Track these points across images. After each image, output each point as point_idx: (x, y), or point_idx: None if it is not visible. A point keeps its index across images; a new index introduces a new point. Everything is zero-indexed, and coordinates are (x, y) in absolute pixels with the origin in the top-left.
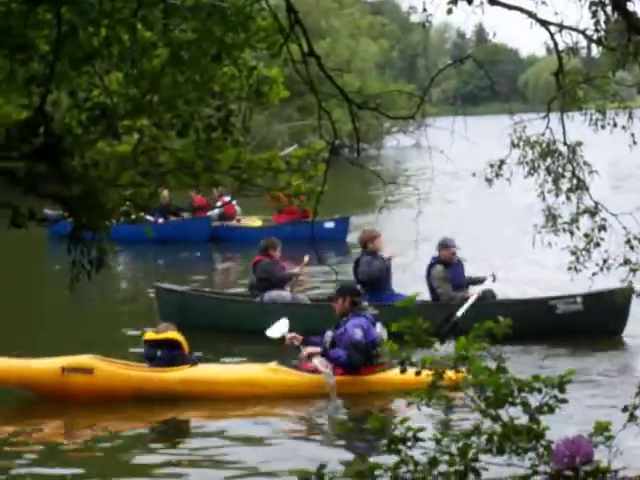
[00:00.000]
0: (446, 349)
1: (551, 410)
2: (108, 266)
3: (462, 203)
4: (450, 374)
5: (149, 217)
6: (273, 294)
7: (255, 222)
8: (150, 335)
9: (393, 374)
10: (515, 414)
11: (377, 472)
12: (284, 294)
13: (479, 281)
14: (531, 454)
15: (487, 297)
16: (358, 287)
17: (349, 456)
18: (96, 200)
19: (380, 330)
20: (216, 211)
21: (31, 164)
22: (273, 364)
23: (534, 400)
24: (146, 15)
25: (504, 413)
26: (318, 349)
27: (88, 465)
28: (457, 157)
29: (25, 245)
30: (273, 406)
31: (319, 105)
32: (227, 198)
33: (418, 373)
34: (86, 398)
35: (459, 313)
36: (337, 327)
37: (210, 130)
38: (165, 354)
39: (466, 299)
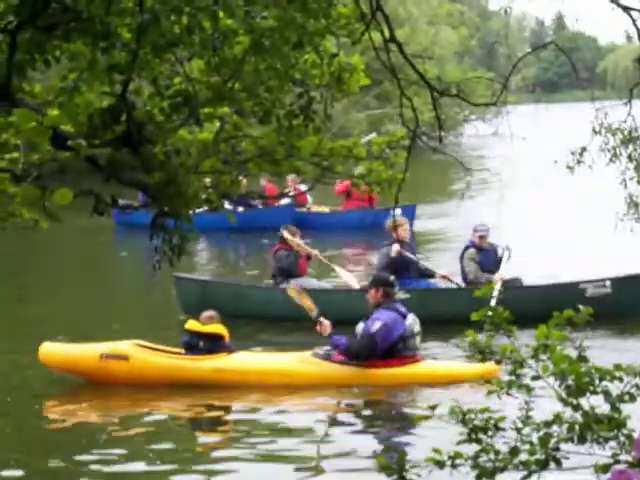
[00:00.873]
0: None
1: (632, 399)
2: (189, 253)
3: (544, 190)
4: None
5: (227, 205)
6: (300, 281)
7: (322, 209)
8: (194, 325)
9: (424, 366)
10: (596, 403)
11: (458, 461)
12: (311, 280)
13: (499, 263)
14: (612, 443)
15: (513, 282)
16: (392, 278)
17: (382, 446)
18: (178, 187)
19: (412, 322)
20: (286, 200)
21: (113, 151)
22: (307, 354)
23: (615, 389)
24: (228, 2)
25: (585, 402)
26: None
27: (118, 450)
28: (538, 144)
29: (92, 233)
30: (305, 396)
31: (401, 92)
32: (301, 187)
33: (499, 362)
34: (123, 384)
35: (492, 303)
36: (368, 317)
37: (292, 117)
38: (207, 345)
39: (490, 281)
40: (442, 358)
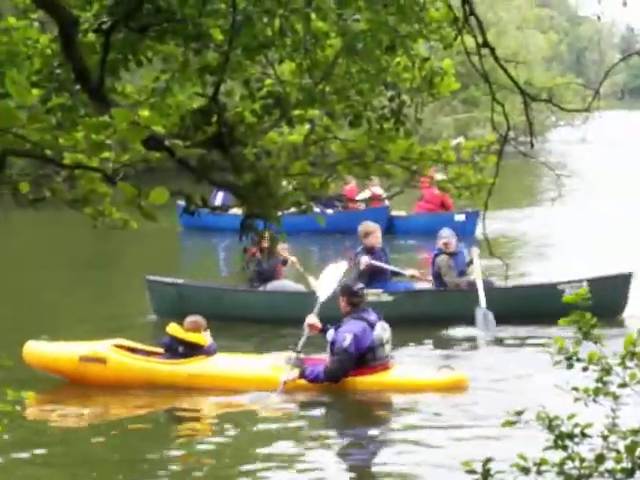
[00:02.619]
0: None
1: None
2: (278, 254)
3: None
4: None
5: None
6: (276, 283)
7: (398, 212)
8: (176, 331)
9: (395, 374)
10: None
11: (543, 467)
12: (287, 283)
13: (471, 264)
14: None
15: (487, 285)
16: (359, 287)
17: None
18: (267, 189)
19: (380, 331)
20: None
21: (204, 153)
22: (282, 359)
23: None
24: (320, 5)
25: None
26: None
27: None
28: (627, 151)
29: (158, 236)
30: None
31: (492, 97)
32: (376, 189)
33: (585, 369)
34: (101, 386)
35: (483, 304)
36: (337, 327)
37: (382, 120)
38: (186, 351)
39: (472, 284)
40: (416, 359)
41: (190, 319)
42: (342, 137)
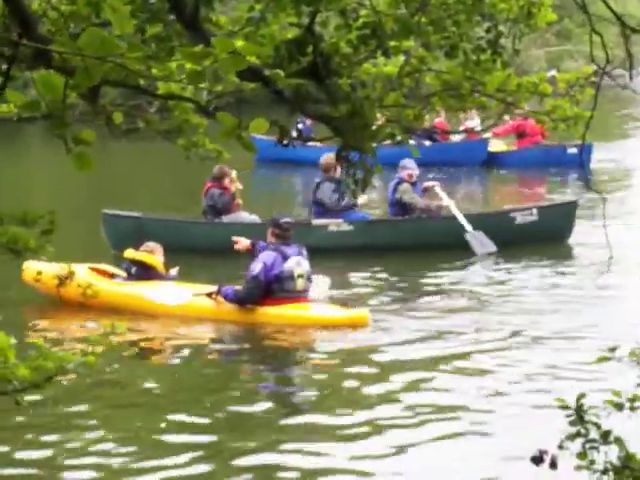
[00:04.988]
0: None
1: None
2: (373, 186)
3: None
4: None
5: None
6: (232, 216)
7: (500, 147)
8: (128, 253)
9: (297, 308)
10: None
11: (637, 404)
12: (244, 215)
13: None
14: None
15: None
16: (284, 220)
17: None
18: (363, 120)
19: (293, 264)
20: (458, 137)
21: (300, 83)
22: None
23: None
24: None
25: None
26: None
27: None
28: None
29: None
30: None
31: (591, 28)
32: (470, 123)
33: None
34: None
35: (468, 228)
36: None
37: (479, 52)
38: (138, 272)
39: (440, 207)
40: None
41: (147, 244)
42: (437, 69)
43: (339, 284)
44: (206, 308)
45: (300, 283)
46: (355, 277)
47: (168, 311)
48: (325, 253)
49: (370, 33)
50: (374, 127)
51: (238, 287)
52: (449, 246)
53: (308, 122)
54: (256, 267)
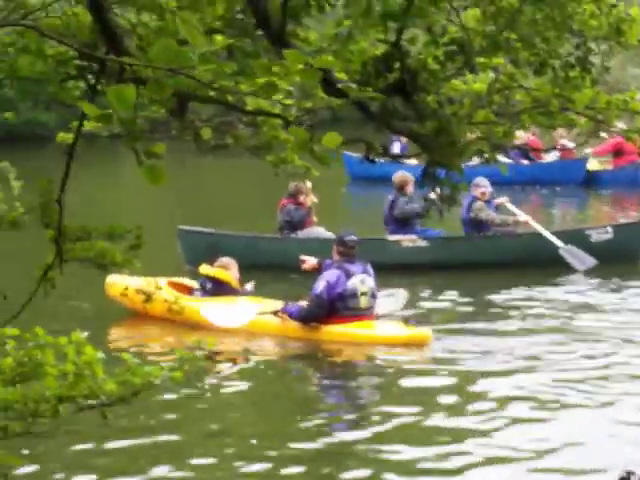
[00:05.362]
0: None
1: None
2: (459, 204)
3: None
4: None
5: (504, 158)
6: (307, 231)
7: (597, 166)
8: (205, 270)
9: (360, 326)
10: None
11: None
12: (319, 230)
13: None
14: None
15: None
16: (349, 238)
17: None
18: (450, 137)
19: (356, 282)
20: (554, 156)
21: (385, 99)
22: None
23: None
24: None
25: None
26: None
27: None
28: None
29: (325, 186)
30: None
31: None
32: (566, 142)
33: None
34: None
35: (559, 244)
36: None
37: (568, 68)
38: (213, 288)
39: (517, 222)
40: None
41: (221, 259)
42: (526, 85)
43: (410, 301)
44: (272, 326)
45: (364, 301)
46: (426, 294)
47: (233, 329)
48: (399, 269)
49: (457, 49)
50: (462, 144)
51: (302, 305)
52: (526, 263)
53: (404, 140)
54: (319, 286)
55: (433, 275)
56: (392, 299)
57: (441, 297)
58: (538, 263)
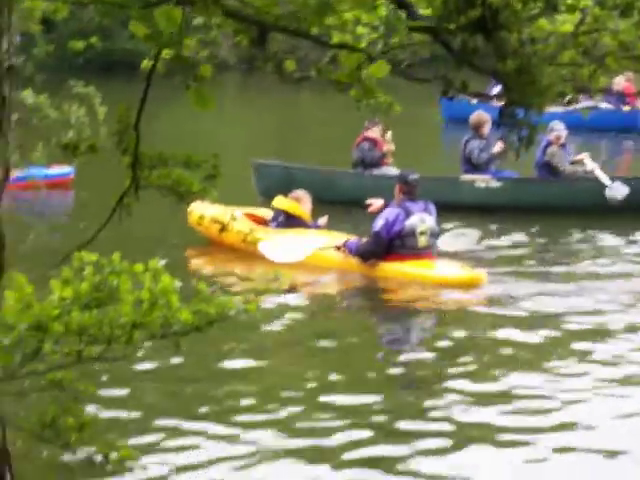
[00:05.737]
0: None
1: None
2: (536, 144)
3: None
4: None
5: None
6: (380, 170)
7: None
8: (278, 202)
9: (416, 265)
10: None
11: None
12: (392, 170)
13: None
14: None
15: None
16: (412, 177)
17: None
18: (531, 76)
19: (415, 221)
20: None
21: (467, 36)
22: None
23: None
24: None
25: None
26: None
27: None
28: None
29: (419, 126)
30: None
31: None
32: None
33: None
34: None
35: (607, 182)
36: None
37: None
38: (286, 221)
39: (587, 172)
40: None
41: (295, 192)
42: (613, 28)
43: (481, 240)
44: (331, 260)
45: (423, 240)
46: (497, 235)
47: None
48: (471, 209)
49: None
50: (544, 84)
51: (362, 241)
52: (597, 209)
53: None
54: (378, 223)
55: (504, 216)
56: (463, 238)
57: (507, 239)
58: (609, 211)
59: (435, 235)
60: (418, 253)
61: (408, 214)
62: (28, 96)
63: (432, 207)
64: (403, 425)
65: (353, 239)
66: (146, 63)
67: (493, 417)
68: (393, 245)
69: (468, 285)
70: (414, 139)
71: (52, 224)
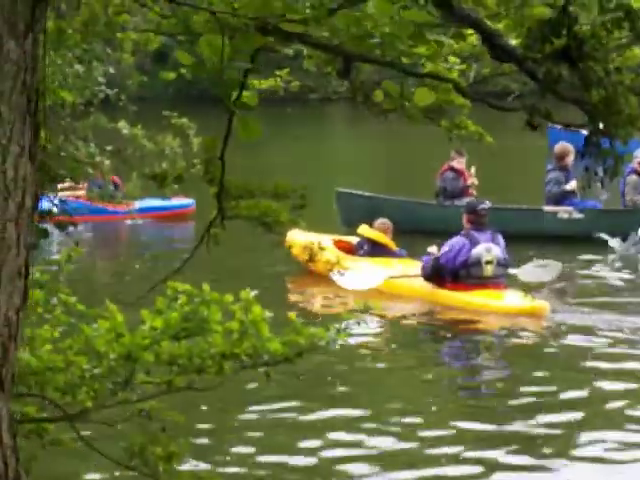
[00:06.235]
0: None
1: None
2: (622, 174)
3: None
4: None
5: None
6: (464, 200)
7: None
8: (363, 230)
9: (481, 295)
10: None
11: None
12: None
13: None
14: None
15: None
16: (481, 206)
17: None
18: (617, 106)
19: (481, 250)
20: None
21: (551, 65)
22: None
23: None
24: None
25: None
26: None
27: None
28: None
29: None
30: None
31: None
32: None
33: None
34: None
35: None
36: None
37: None
38: (369, 249)
39: None
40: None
41: (379, 220)
42: None
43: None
44: (402, 288)
45: (489, 269)
46: (574, 266)
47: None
48: (553, 239)
49: (623, 15)
50: (631, 114)
51: (427, 262)
52: None
53: None
54: (442, 249)
55: (584, 246)
56: (543, 270)
57: (584, 270)
58: None
59: (503, 265)
60: (485, 283)
61: (474, 244)
62: (123, 127)
63: (500, 237)
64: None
65: (427, 257)
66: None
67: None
68: (459, 275)
69: (531, 315)
70: (521, 169)
71: (165, 253)
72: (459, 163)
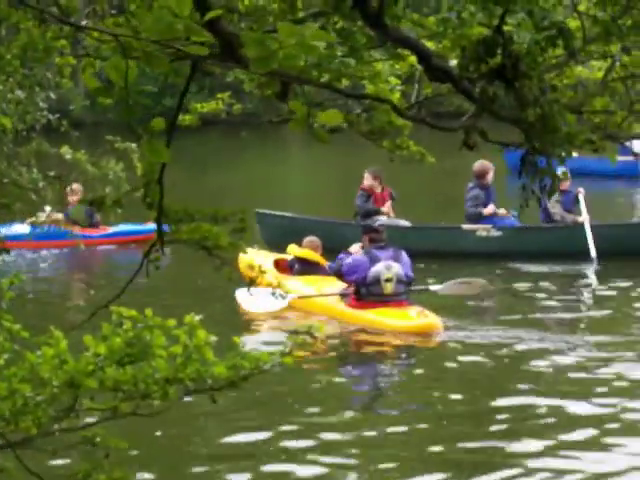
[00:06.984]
0: None
1: None
2: (556, 194)
3: None
4: None
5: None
6: (382, 219)
7: None
8: (292, 250)
9: (382, 314)
10: None
11: None
12: (394, 220)
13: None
14: None
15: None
16: (378, 224)
17: None
18: (552, 125)
19: (380, 269)
20: None
21: (486, 85)
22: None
23: None
24: None
25: None
26: None
27: None
28: None
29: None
30: None
31: None
32: None
33: None
34: None
35: (590, 241)
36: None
37: None
38: (302, 268)
39: (577, 222)
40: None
41: (307, 238)
42: None
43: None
44: (313, 305)
45: (389, 287)
46: (499, 283)
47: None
48: (472, 258)
49: (556, 33)
50: (567, 132)
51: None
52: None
53: None
54: (347, 259)
55: (504, 264)
56: (467, 286)
57: (507, 287)
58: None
59: (404, 282)
60: (385, 300)
61: (374, 261)
62: (66, 152)
63: (403, 254)
64: None
65: (342, 254)
66: (183, 119)
67: None
68: (360, 292)
69: (421, 333)
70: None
71: (125, 278)
72: (369, 183)
